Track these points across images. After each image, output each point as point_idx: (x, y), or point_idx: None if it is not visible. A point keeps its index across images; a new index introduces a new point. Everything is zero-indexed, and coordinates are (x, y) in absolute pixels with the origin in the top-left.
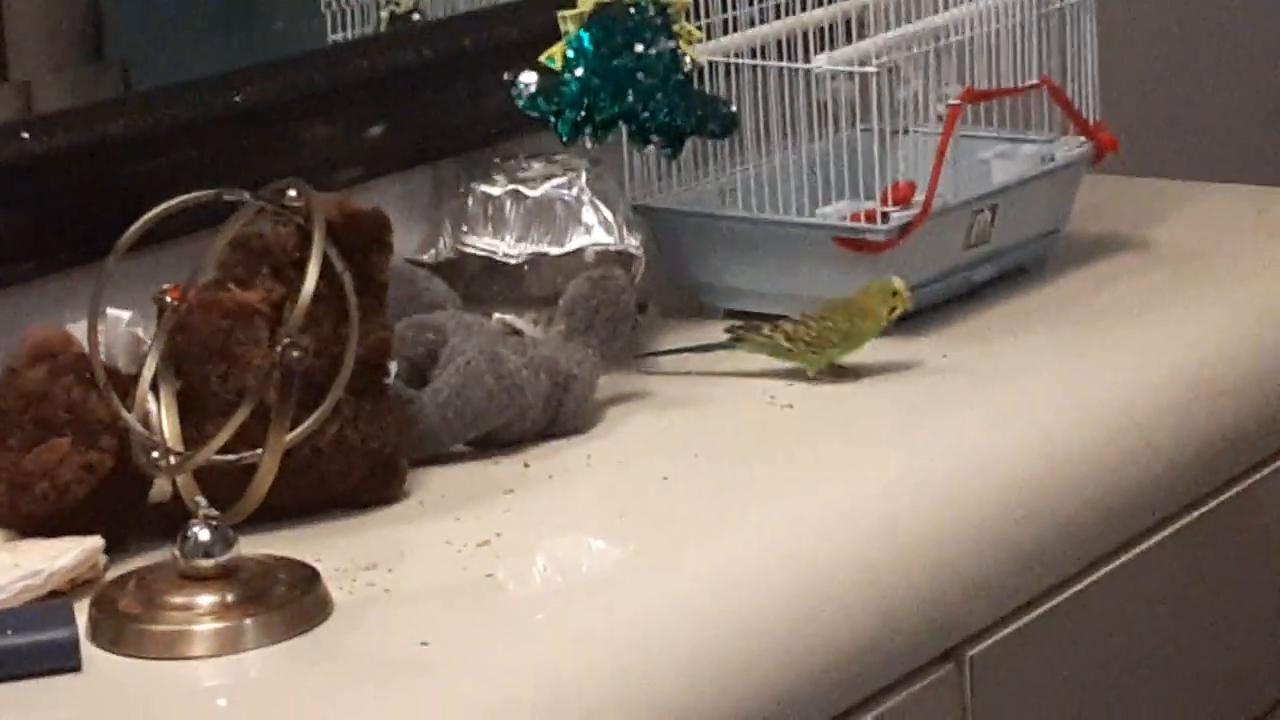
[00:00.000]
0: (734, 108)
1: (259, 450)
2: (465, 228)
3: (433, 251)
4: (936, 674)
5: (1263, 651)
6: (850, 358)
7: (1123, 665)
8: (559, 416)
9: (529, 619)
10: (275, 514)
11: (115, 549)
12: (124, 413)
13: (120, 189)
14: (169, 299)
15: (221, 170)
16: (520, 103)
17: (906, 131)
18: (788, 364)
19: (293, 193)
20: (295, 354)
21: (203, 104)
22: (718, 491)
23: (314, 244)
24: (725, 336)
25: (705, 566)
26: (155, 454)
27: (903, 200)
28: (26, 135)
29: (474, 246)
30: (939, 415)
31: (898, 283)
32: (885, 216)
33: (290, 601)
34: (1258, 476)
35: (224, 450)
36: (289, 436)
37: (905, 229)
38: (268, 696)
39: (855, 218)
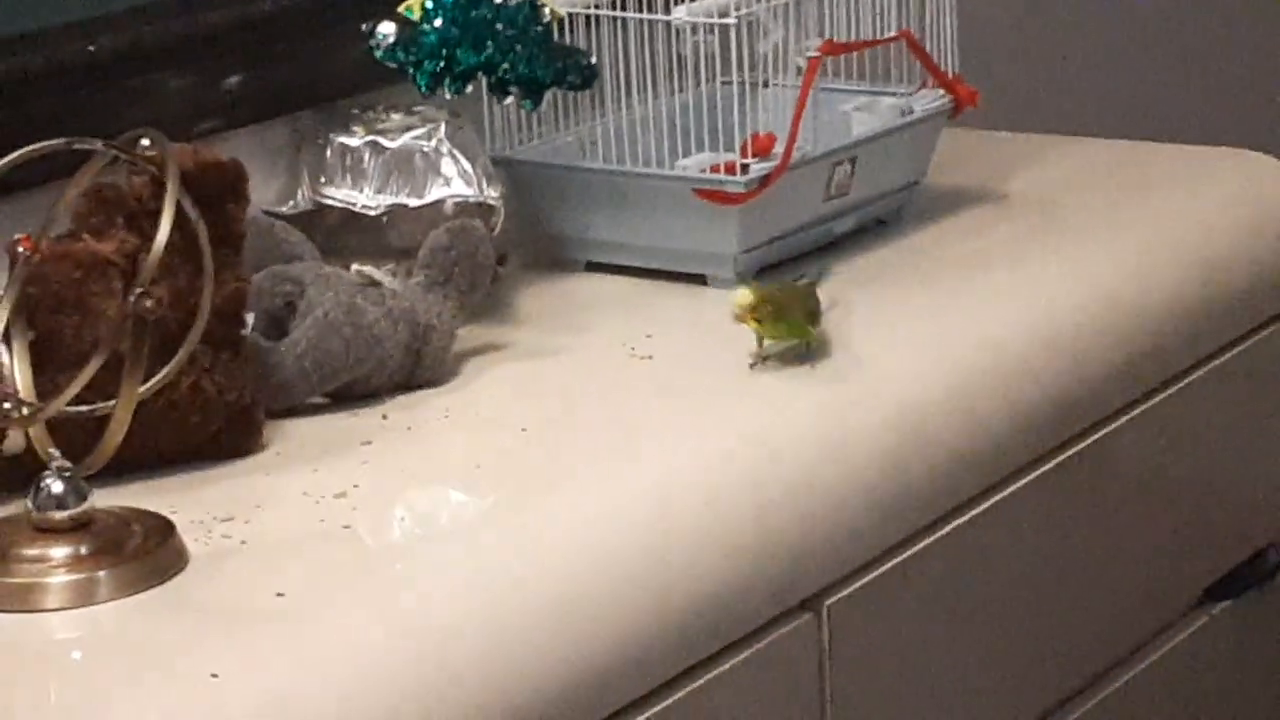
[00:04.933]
0: (594, 60)
1: (113, 401)
2: (323, 179)
3: (290, 203)
4: (794, 623)
5: (1118, 601)
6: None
7: (979, 614)
8: (417, 368)
9: (386, 569)
10: (131, 466)
11: None
12: None
13: None
14: (21, 249)
15: (77, 121)
16: (378, 54)
17: (766, 85)
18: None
19: (146, 142)
20: (148, 304)
21: (56, 52)
22: (575, 442)
23: (167, 193)
24: None
25: (562, 516)
26: (7, 405)
27: (763, 152)
28: None
29: (332, 198)
30: (797, 366)
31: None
32: (745, 168)
33: (145, 553)
34: (1111, 427)
35: (77, 401)
36: (142, 388)
37: (765, 180)
38: (123, 648)
39: (715, 169)
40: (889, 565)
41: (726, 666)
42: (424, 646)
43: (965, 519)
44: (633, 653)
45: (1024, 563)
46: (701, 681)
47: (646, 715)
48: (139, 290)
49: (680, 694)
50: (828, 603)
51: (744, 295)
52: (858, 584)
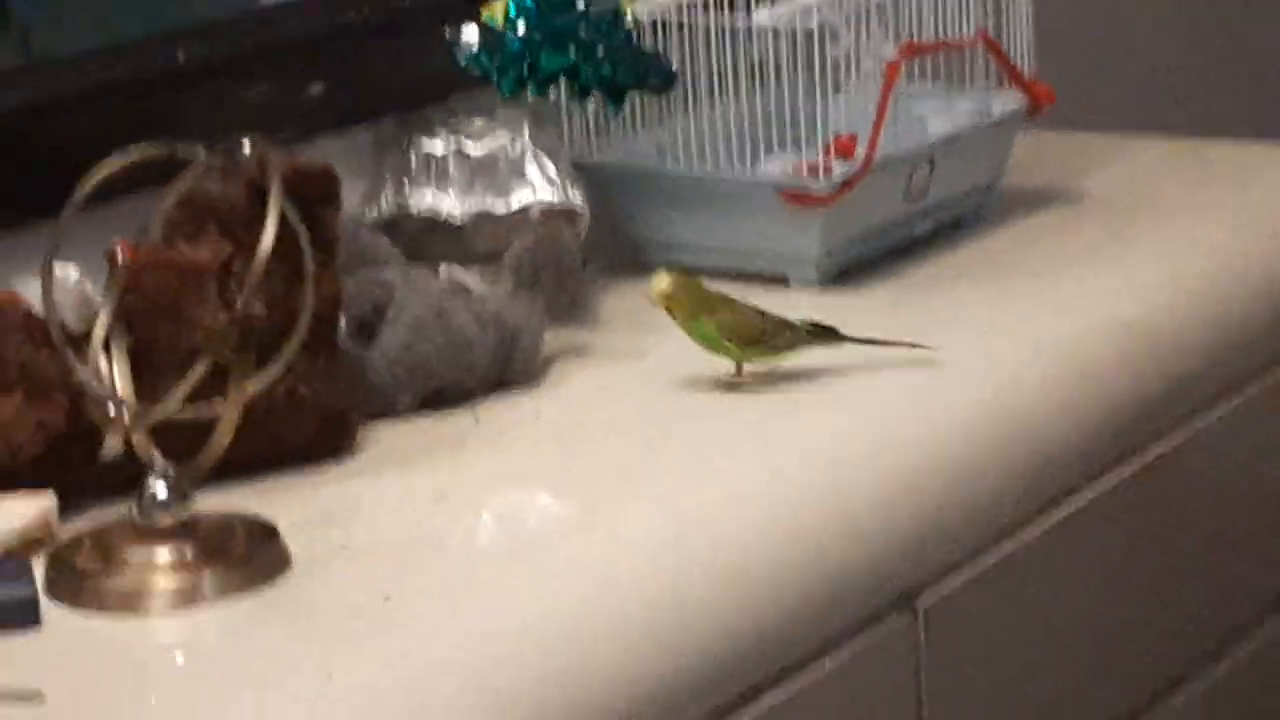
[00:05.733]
0: (673, 63)
1: (218, 403)
2: (407, 185)
3: (375, 209)
4: (891, 622)
5: (1200, 602)
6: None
7: (1076, 612)
8: (507, 371)
9: (491, 572)
10: (228, 471)
11: (66, 508)
12: (80, 368)
13: (58, 150)
14: (120, 255)
15: (159, 131)
16: (462, 60)
17: (838, 90)
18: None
19: (245, 148)
20: (256, 310)
21: (141, 63)
22: (667, 442)
23: (271, 199)
24: None
25: (657, 517)
26: (113, 410)
27: (845, 154)
28: None
29: (417, 204)
30: (885, 367)
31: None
32: (828, 170)
33: (250, 557)
34: (1200, 424)
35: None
36: (248, 389)
37: (848, 182)
38: (229, 651)
39: (798, 171)
40: (985, 564)
41: (824, 665)
42: (530, 648)
43: (1058, 517)
44: (727, 657)
45: (1109, 563)
46: (800, 682)
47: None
48: (247, 296)
49: (777, 694)
50: (925, 601)
51: (660, 279)
52: (954, 582)
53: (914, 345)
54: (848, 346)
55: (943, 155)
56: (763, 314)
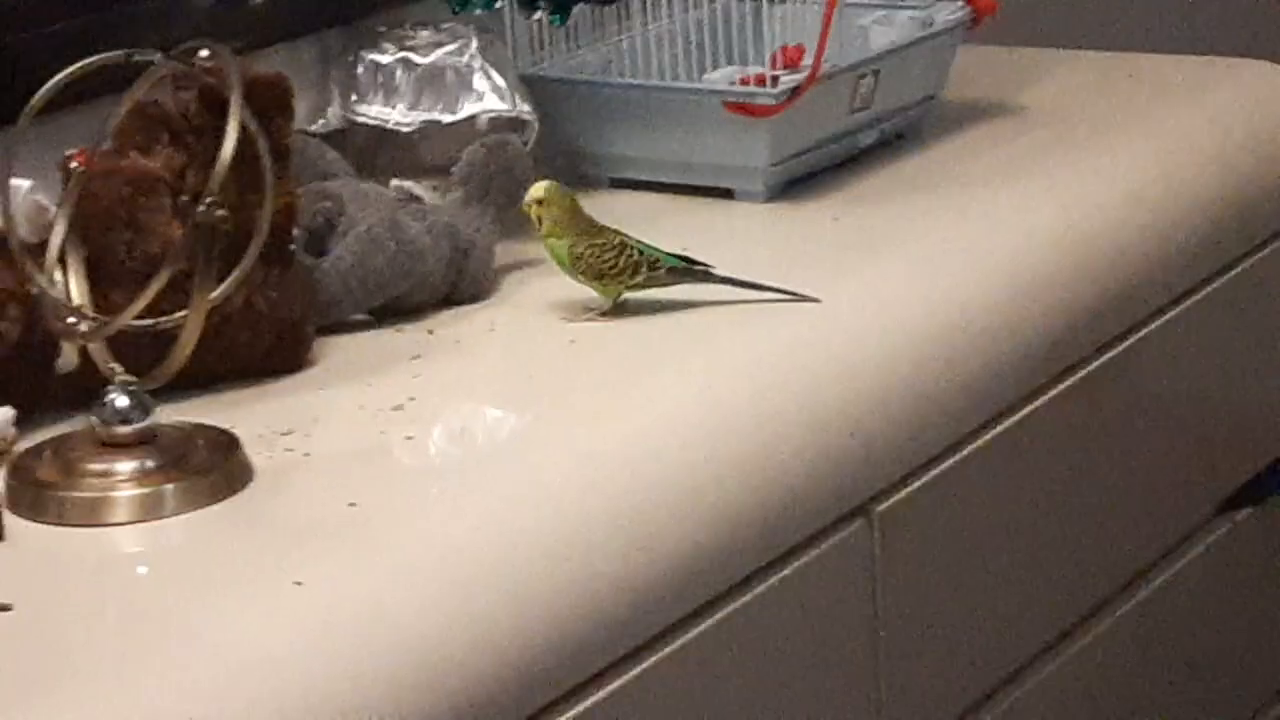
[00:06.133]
0: None
1: (178, 314)
2: (355, 96)
3: (322, 121)
4: (845, 531)
5: (1145, 507)
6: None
7: (1026, 520)
8: (460, 283)
9: (451, 480)
10: (184, 382)
11: (23, 420)
12: (40, 279)
13: (9, 60)
14: (75, 165)
15: (108, 42)
16: None
17: (782, 1)
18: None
19: (204, 53)
20: (219, 214)
21: None
22: (622, 353)
23: (232, 106)
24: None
25: (615, 427)
26: (72, 319)
27: (791, 65)
28: None
29: (365, 115)
30: (837, 276)
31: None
32: (774, 80)
33: (212, 467)
34: (1142, 334)
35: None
36: (211, 296)
37: (794, 92)
38: (193, 561)
39: (744, 82)
40: (937, 470)
41: (781, 574)
42: (492, 553)
43: (1006, 425)
44: (688, 562)
45: (1057, 471)
46: (758, 589)
47: (704, 625)
48: (209, 200)
49: (737, 603)
50: (878, 509)
51: (537, 188)
52: (907, 490)
53: (796, 296)
54: (806, 254)
55: (886, 66)
56: (626, 250)
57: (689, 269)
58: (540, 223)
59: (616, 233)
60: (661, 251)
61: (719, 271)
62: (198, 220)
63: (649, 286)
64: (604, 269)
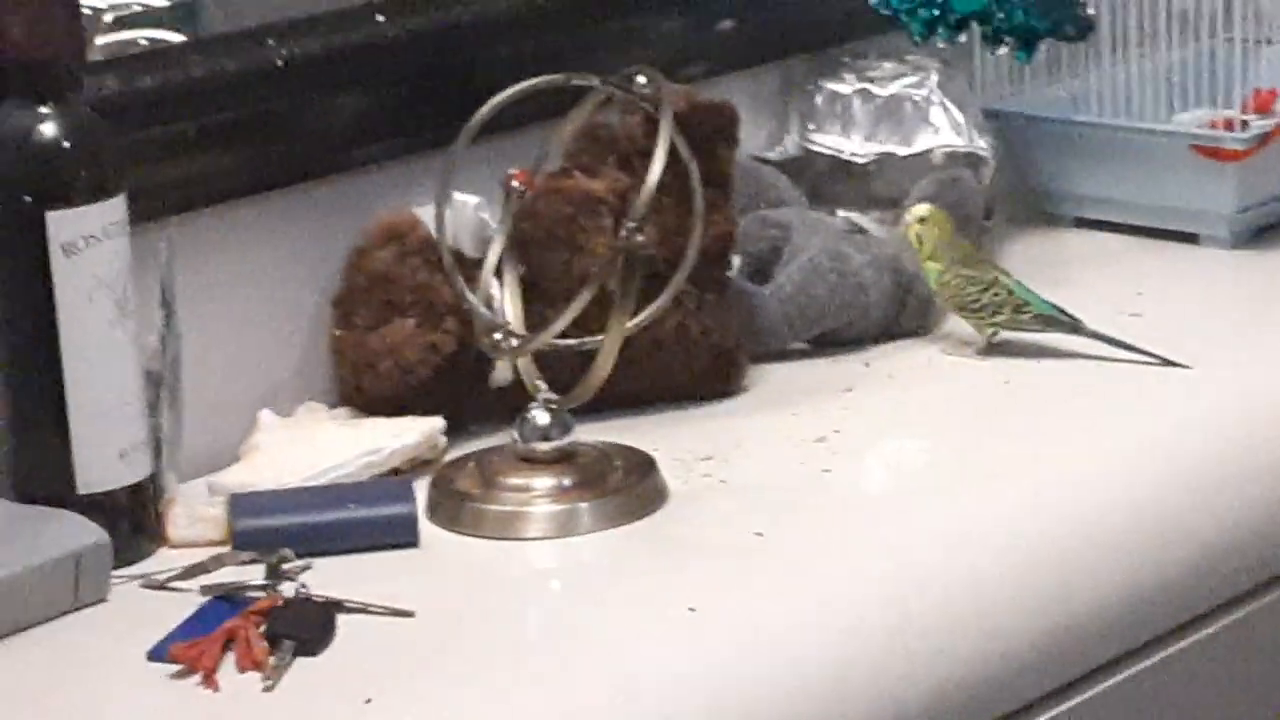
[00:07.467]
0: (1091, 11)
1: (600, 336)
2: (812, 125)
3: (779, 149)
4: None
5: None
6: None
7: None
8: (901, 316)
9: (866, 515)
10: (614, 403)
11: (454, 431)
12: (468, 294)
13: (467, 75)
14: (516, 184)
15: (568, 61)
16: (873, 1)
17: (1270, 42)
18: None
19: (642, 80)
20: (640, 239)
21: None
22: (1062, 398)
23: (660, 131)
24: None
25: (1052, 472)
26: (498, 336)
27: (1263, 109)
28: (381, 18)
29: (820, 145)
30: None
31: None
32: (1244, 124)
33: (626, 487)
34: None
35: (565, 336)
36: (630, 323)
37: (1265, 138)
38: (601, 580)
39: (1214, 125)
40: None
41: (1210, 629)
42: (899, 592)
43: None
44: (1115, 614)
45: None
46: (1186, 642)
47: (1134, 669)
48: (631, 225)
49: (1168, 651)
50: None
51: (920, 207)
52: None
53: (1166, 361)
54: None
55: None
56: (994, 288)
57: (1057, 319)
58: (920, 242)
59: (993, 267)
60: (1035, 296)
61: (1089, 325)
62: (619, 245)
63: (1011, 329)
64: (966, 301)
